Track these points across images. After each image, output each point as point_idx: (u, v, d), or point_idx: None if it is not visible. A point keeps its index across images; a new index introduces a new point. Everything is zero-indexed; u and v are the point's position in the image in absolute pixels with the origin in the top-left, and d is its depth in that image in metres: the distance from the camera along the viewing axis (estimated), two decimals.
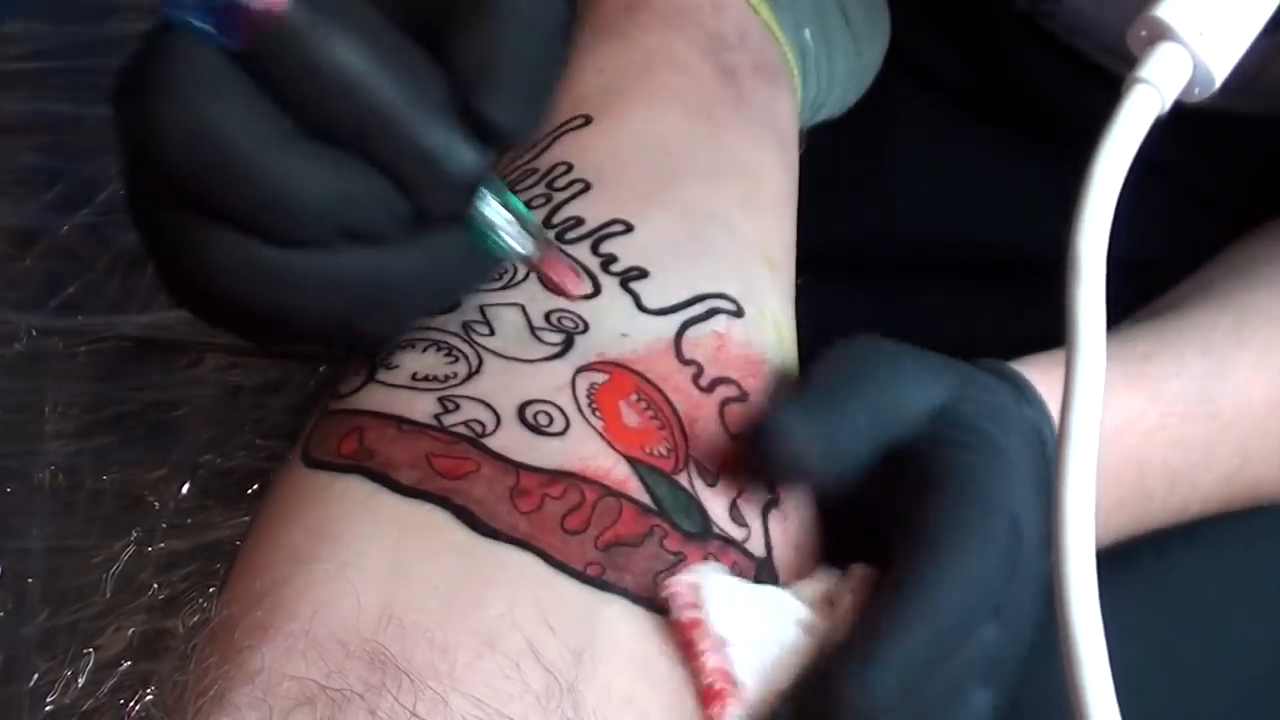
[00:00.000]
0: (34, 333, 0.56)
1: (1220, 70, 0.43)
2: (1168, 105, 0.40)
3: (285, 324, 0.40)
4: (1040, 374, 0.49)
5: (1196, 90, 0.42)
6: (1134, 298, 0.61)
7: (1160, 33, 0.41)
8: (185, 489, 0.54)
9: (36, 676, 0.51)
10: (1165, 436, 0.55)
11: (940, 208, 0.79)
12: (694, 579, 0.42)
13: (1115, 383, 0.54)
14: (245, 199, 0.37)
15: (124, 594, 0.53)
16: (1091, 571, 0.38)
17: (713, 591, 0.42)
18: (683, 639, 0.41)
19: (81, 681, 0.51)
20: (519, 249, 0.42)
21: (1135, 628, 0.66)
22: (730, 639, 0.41)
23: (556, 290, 0.45)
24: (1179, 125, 0.71)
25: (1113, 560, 0.66)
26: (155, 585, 0.53)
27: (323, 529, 0.42)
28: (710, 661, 0.41)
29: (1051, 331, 0.54)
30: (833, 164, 0.70)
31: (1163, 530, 0.61)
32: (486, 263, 0.43)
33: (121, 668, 0.52)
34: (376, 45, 0.38)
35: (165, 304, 0.58)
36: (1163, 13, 0.41)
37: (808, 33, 0.65)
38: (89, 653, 0.52)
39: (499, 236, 0.41)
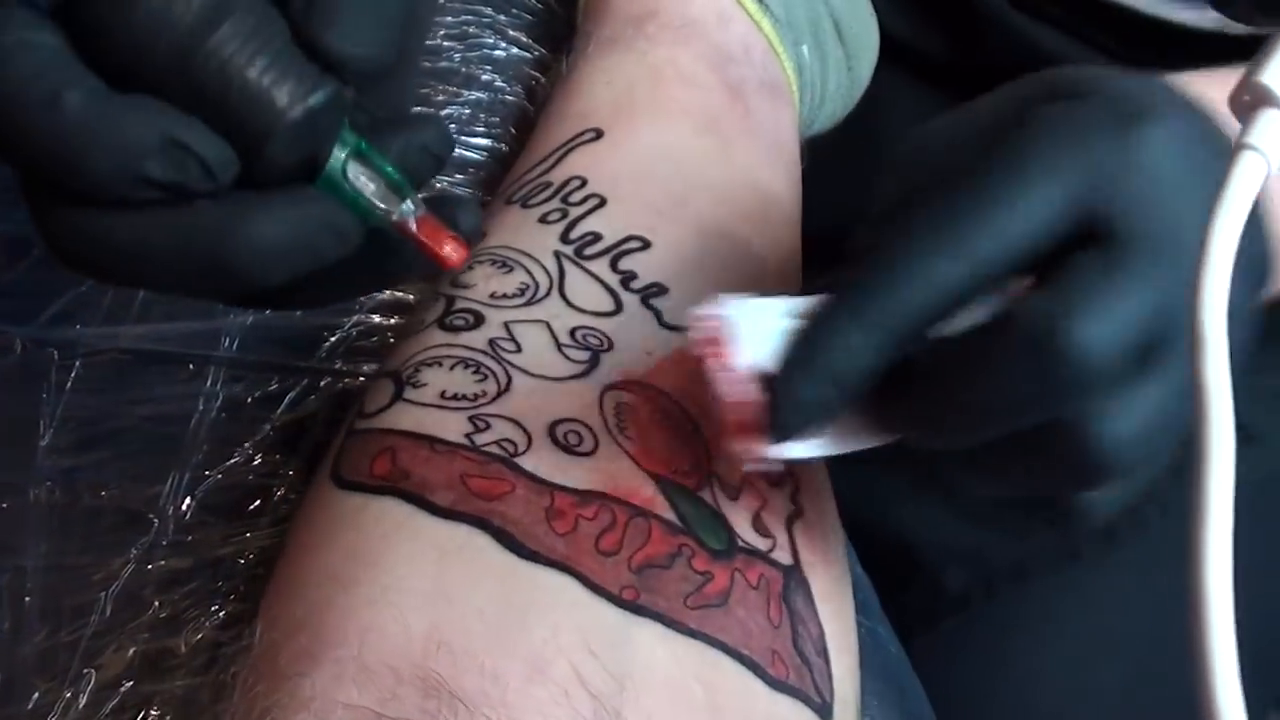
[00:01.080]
0: (27, 345, 0.54)
1: None
2: (1275, 169, 0.39)
3: (145, 285, 0.38)
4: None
5: None
6: None
7: (1264, 98, 0.40)
8: (186, 505, 0.53)
9: (36, 697, 0.50)
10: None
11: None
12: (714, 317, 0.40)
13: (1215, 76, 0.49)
14: (31, 154, 0.35)
15: (124, 612, 0.52)
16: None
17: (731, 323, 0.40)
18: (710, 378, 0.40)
19: (82, 702, 0.50)
20: (380, 208, 0.38)
21: (1137, 604, 0.68)
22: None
23: (433, 258, 0.39)
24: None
25: (1129, 526, 0.67)
26: (156, 603, 0.52)
27: (361, 552, 0.41)
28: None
29: None
30: (822, 151, 0.71)
31: (1167, 490, 0.62)
32: (350, 226, 0.38)
33: (123, 688, 0.50)
34: None
35: (163, 315, 0.56)
36: (1267, 79, 0.40)
37: (805, 49, 0.65)
38: (89, 673, 0.51)
39: (355, 194, 0.37)
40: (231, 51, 0.34)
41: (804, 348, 0.40)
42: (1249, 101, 0.40)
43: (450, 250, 0.39)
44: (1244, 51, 0.74)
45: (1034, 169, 0.38)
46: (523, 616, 0.40)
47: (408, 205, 0.38)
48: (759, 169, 0.56)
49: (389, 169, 0.38)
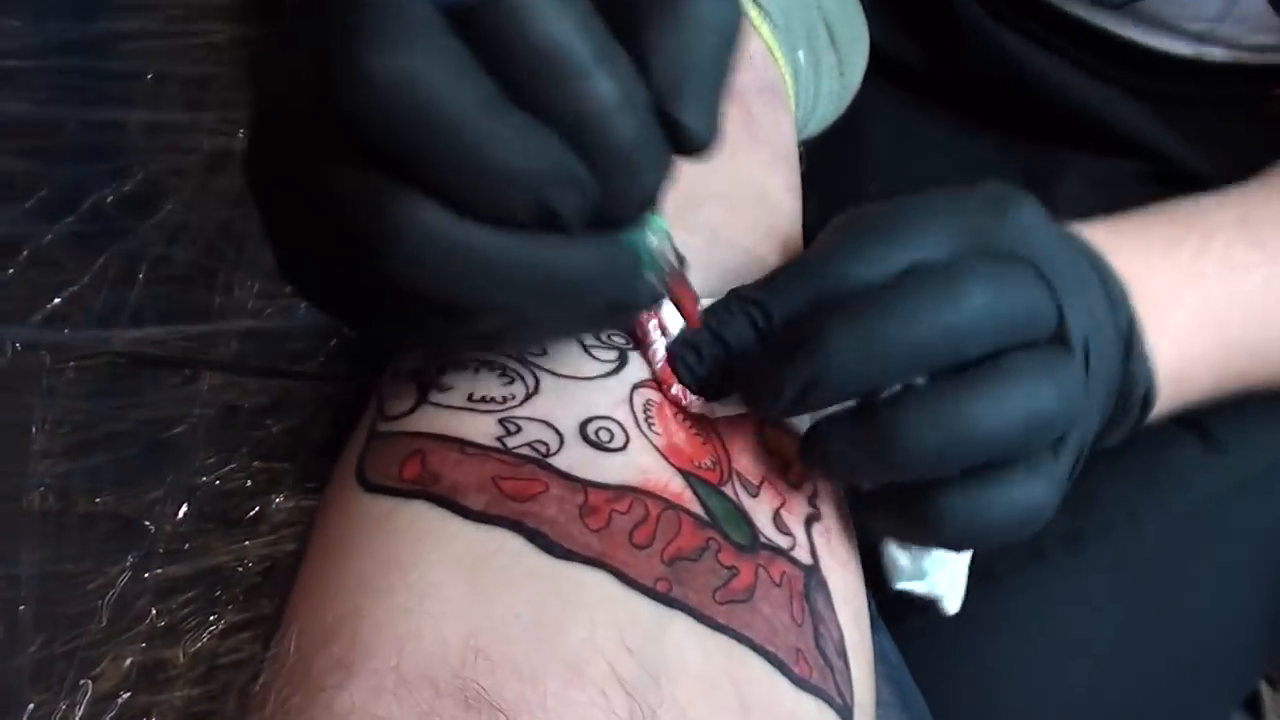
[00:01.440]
0: (18, 347, 0.53)
1: None
2: None
3: (450, 309, 0.37)
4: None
5: None
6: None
7: None
8: (182, 512, 0.52)
9: (31, 708, 0.49)
10: (1213, 258, 0.57)
11: (907, 193, 0.80)
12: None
13: (1152, 222, 0.57)
14: (450, 163, 0.35)
15: (121, 622, 0.50)
16: None
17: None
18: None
19: (79, 714, 0.49)
20: (664, 266, 0.41)
21: (1104, 606, 0.69)
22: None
23: (684, 313, 0.45)
24: (1162, 109, 0.73)
25: (1091, 527, 0.68)
26: (154, 612, 0.51)
27: (394, 558, 0.40)
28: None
29: None
30: (805, 154, 0.70)
31: (1135, 494, 0.62)
32: (643, 276, 0.41)
33: (121, 699, 0.49)
34: (593, 29, 0.36)
35: (156, 318, 0.55)
36: None
37: (801, 54, 0.65)
38: (86, 684, 0.49)
39: (652, 251, 0.40)
40: (624, 104, 0.36)
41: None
42: None
43: (691, 310, 0.46)
44: (1216, 80, 0.75)
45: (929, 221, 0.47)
46: (559, 617, 0.39)
47: (675, 265, 0.43)
48: (765, 178, 0.56)
49: (667, 231, 0.42)
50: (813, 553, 0.46)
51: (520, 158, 0.35)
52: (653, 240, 0.41)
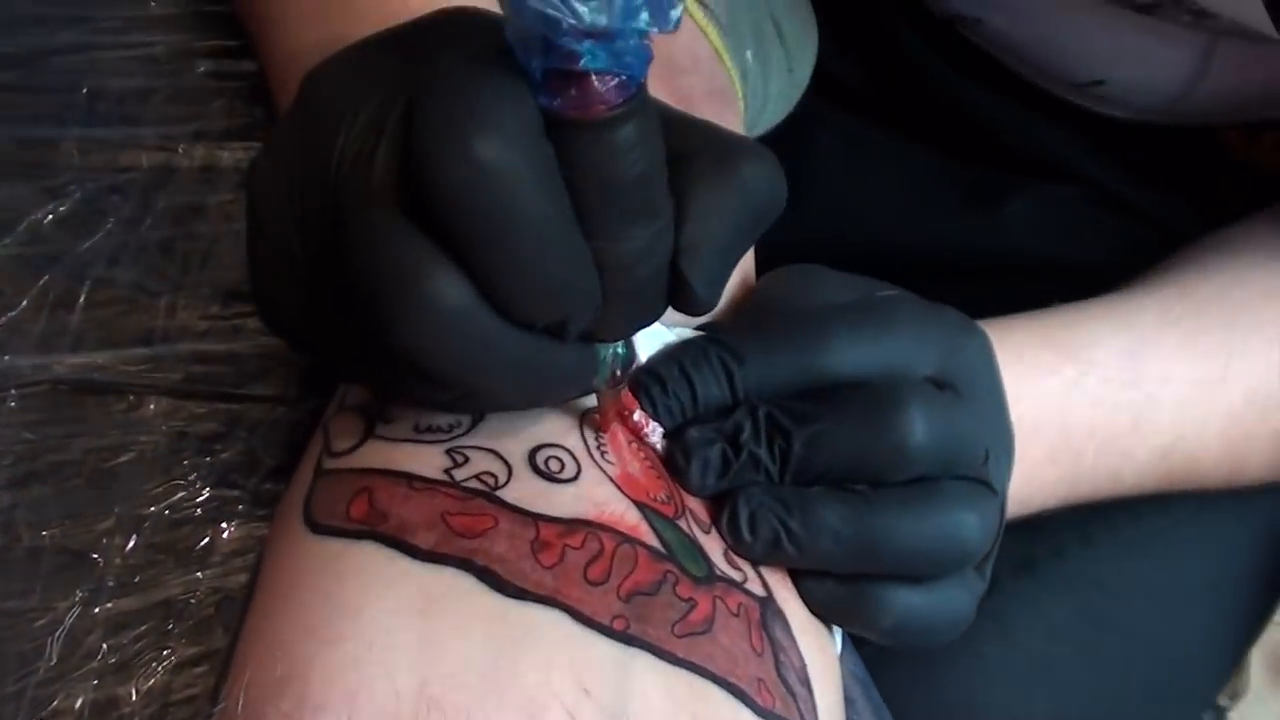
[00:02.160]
0: None
1: None
2: None
3: (442, 387, 0.38)
4: None
5: None
6: (1060, 300, 0.63)
7: None
8: (132, 543, 0.51)
9: None
10: (1085, 395, 0.58)
11: (852, 213, 0.80)
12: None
13: (1029, 344, 0.56)
14: (509, 264, 0.36)
15: (71, 659, 0.49)
16: None
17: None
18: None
19: None
20: (606, 377, 0.43)
21: (1061, 626, 0.69)
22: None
23: (622, 421, 0.47)
24: (1098, 138, 0.73)
25: (1042, 551, 0.69)
26: (105, 648, 0.50)
27: (343, 604, 0.39)
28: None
29: None
30: None
31: (1088, 516, 0.63)
32: (591, 376, 0.43)
33: None
34: (662, 176, 0.39)
35: (97, 342, 0.54)
36: None
37: (749, 54, 0.64)
38: None
39: (606, 362, 0.43)
40: (648, 246, 0.38)
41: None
42: None
43: (627, 427, 0.47)
44: (1161, 142, 0.74)
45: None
46: (514, 661, 0.38)
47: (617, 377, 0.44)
48: None
49: (624, 353, 0.43)
50: (765, 585, 0.46)
51: (572, 281, 0.37)
52: (609, 352, 0.42)
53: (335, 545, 0.41)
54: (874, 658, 0.62)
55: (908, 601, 0.47)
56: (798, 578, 0.48)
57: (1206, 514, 0.70)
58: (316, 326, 0.41)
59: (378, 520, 0.41)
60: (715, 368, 0.47)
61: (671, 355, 0.47)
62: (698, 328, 0.50)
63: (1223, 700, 1.13)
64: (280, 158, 0.40)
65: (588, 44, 0.35)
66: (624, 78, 0.36)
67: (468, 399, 0.42)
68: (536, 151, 0.36)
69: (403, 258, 0.36)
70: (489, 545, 0.40)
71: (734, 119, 0.60)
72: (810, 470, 0.46)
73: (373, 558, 0.40)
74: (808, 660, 0.45)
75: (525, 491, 0.42)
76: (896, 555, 0.46)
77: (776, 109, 0.69)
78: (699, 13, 0.60)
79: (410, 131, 0.36)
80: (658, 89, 0.56)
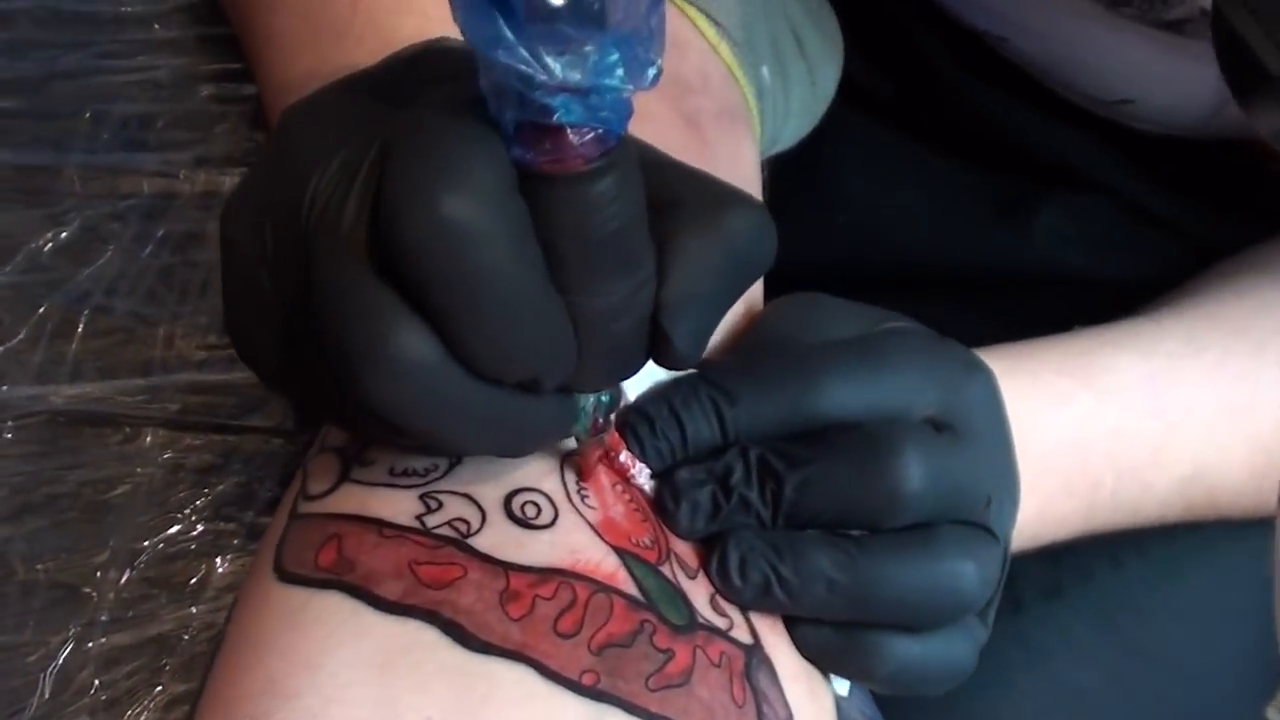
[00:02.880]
0: None
1: None
2: None
3: (411, 436, 0.37)
4: None
5: None
6: (1089, 314, 0.61)
7: None
8: (125, 578, 0.51)
9: None
10: (1103, 424, 0.56)
11: (880, 226, 0.79)
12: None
13: (1046, 372, 0.54)
14: (477, 321, 0.35)
15: (63, 695, 0.49)
16: None
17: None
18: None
19: None
20: (588, 427, 0.42)
21: (1091, 652, 0.67)
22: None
23: (589, 468, 0.45)
24: (1129, 150, 0.71)
25: (1070, 575, 0.67)
26: (97, 683, 0.50)
27: (304, 658, 0.38)
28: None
29: (985, 340, 0.54)
30: (774, 185, 0.69)
31: (1116, 540, 0.61)
32: (569, 426, 0.42)
33: None
34: (642, 232, 0.38)
35: (96, 373, 0.54)
36: None
37: (765, 70, 0.62)
38: None
39: (586, 411, 0.42)
40: (626, 302, 0.37)
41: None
42: None
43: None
44: (1195, 153, 0.72)
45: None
46: None
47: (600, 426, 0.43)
48: None
49: (606, 401, 0.42)
50: (753, 632, 0.44)
51: (543, 339, 0.36)
52: (590, 401, 0.42)
53: (301, 595, 0.40)
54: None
55: (905, 651, 0.46)
56: (791, 624, 0.46)
57: (1240, 537, 0.68)
58: (290, 368, 0.40)
59: (345, 569, 0.40)
60: (706, 407, 0.45)
61: (661, 394, 0.46)
62: None
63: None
64: (252, 200, 0.40)
65: (561, 98, 0.34)
66: (601, 131, 0.35)
67: (443, 449, 0.41)
68: (507, 208, 0.35)
69: (369, 311, 0.35)
70: (456, 596, 0.39)
71: (746, 137, 0.59)
72: (802, 514, 0.45)
73: (337, 609, 0.39)
74: (795, 709, 0.44)
75: (498, 539, 0.41)
76: (891, 604, 0.45)
77: (800, 123, 0.68)
78: (711, 30, 0.59)
79: (381, 182, 0.35)
80: (665, 110, 0.56)
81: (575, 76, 0.33)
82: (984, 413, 0.48)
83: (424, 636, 0.39)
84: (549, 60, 0.33)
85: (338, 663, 0.38)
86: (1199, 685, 0.69)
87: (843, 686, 0.50)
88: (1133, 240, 0.74)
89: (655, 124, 0.55)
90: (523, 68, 0.33)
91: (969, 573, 0.45)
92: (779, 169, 0.71)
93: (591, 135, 0.35)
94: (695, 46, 0.58)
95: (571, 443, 0.44)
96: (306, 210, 0.37)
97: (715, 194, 0.40)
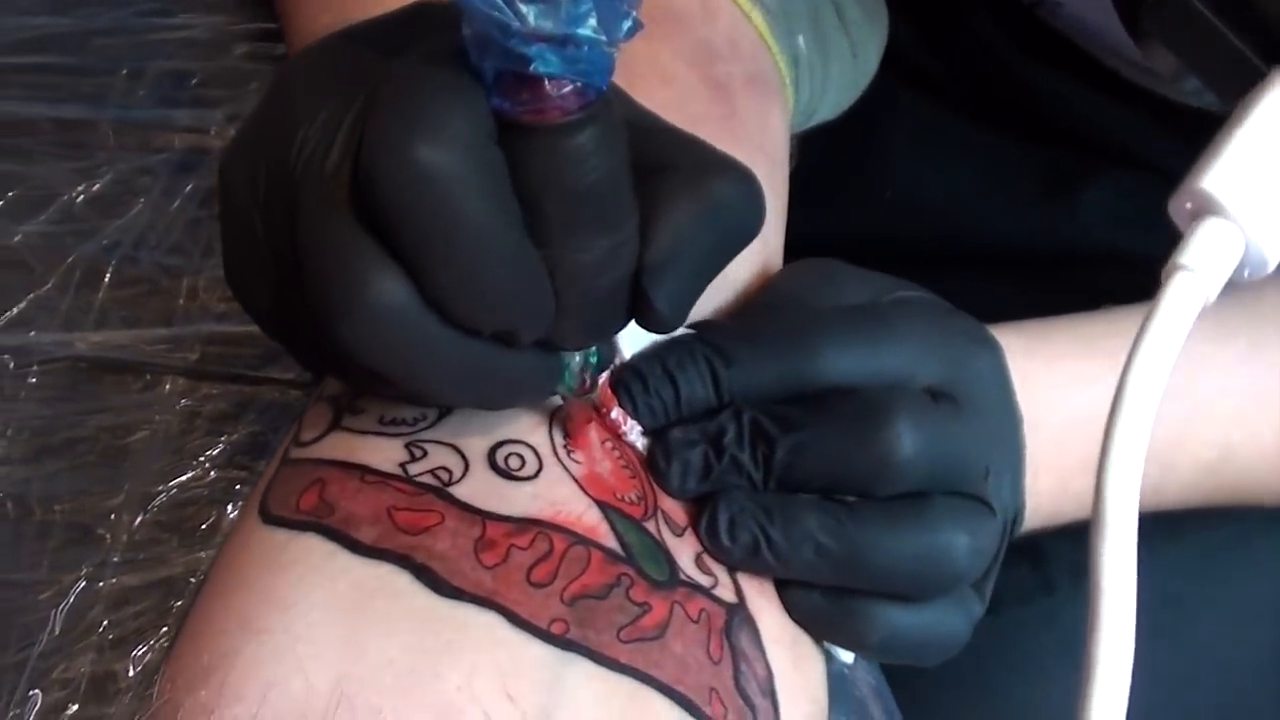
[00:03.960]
0: None
1: (1276, 250, 0.38)
2: (1213, 297, 0.36)
3: (390, 383, 0.38)
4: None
5: (1247, 273, 0.38)
6: (1134, 293, 0.60)
7: (1207, 207, 0.36)
8: (139, 521, 0.52)
9: None
10: None
11: (927, 201, 0.78)
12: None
13: (1069, 353, 0.54)
14: (451, 269, 0.35)
15: (73, 632, 0.50)
16: None
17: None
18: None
19: None
20: (573, 387, 0.42)
21: None
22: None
23: (576, 428, 0.45)
24: (1181, 127, 0.70)
25: (1064, 571, 0.66)
26: (106, 622, 0.51)
27: (276, 596, 0.39)
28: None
29: (1029, 318, 0.53)
30: (820, 159, 0.68)
31: (1150, 525, 0.60)
32: (553, 383, 0.42)
33: (69, 711, 0.49)
34: (624, 189, 0.38)
35: (121, 321, 0.55)
36: (1209, 185, 0.36)
37: (801, 39, 0.62)
38: (35, 694, 0.49)
39: (571, 370, 0.42)
40: (607, 258, 0.38)
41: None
42: (1190, 210, 0.36)
43: (579, 435, 0.45)
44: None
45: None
46: (437, 663, 0.38)
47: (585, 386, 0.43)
48: None
49: (595, 361, 0.43)
50: (738, 592, 0.44)
51: (516, 289, 0.36)
52: (577, 360, 0.42)
53: (281, 536, 0.41)
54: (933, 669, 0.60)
55: (895, 619, 0.46)
56: (782, 587, 0.46)
57: (1277, 529, 0.66)
58: (281, 311, 0.41)
59: (324, 513, 0.41)
60: (701, 367, 0.45)
61: (656, 353, 0.46)
62: (690, 324, 0.49)
63: None
64: (248, 146, 0.40)
65: (537, 47, 0.34)
66: (580, 84, 0.35)
67: (421, 398, 0.41)
68: (482, 156, 0.35)
69: (346, 255, 0.36)
70: (431, 542, 0.40)
71: (775, 106, 0.59)
72: (794, 478, 0.44)
73: (313, 550, 0.40)
74: (776, 671, 0.44)
75: (478, 489, 0.41)
76: (880, 571, 0.44)
77: (840, 95, 0.67)
78: None
79: (363, 130, 0.36)
80: (692, 75, 0.56)
81: (547, 25, 0.33)
82: (987, 386, 0.47)
83: (396, 580, 0.39)
84: (522, 7, 0.33)
85: (310, 602, 0.39)
86: (1231, 675, 0.68)
87: (849, 655, 0.50)
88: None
89: (681, 88, 0.55)
90: (497, 14, 0.33)
91: (961, 544, 0.44)
92: (824, 144, 0.70)
93: (570, 88, 0.35)
94: (726, 12, 0.58)
95: (560, 401, 0.44)
96: (295, 156, 0.38)
97: (706, 160, 0.40)
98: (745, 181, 0.40)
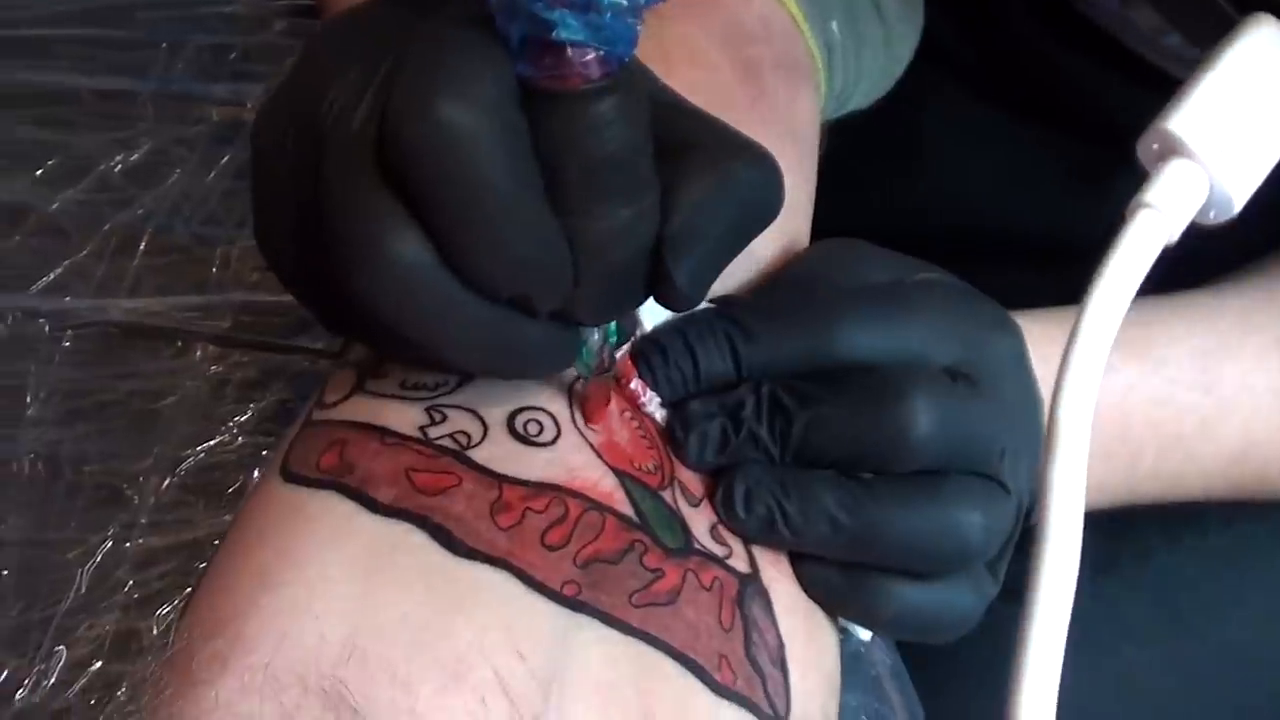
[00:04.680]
0: (19, 315, 0.54)
1: (1241, 193, 0.39)
2: (1175, 236, 0.37)
3: (406, 345, 0.38)
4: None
5: (1213, 214, 0.38)
6: (1167, 287, 0.60)
7: (1173, 148, 0.37)
8: (166, 484, 0.52)
9: (5, 674, 0.50)
10: (1149, 393, 0.56)
11: (959, 191, 0.78)
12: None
13: None
14: (470, 230, 0.36)
15: (99, 590, 0.51)
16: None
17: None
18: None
19: (51, 681, 0.50)
20: (592, 365, 0.43)
21: (1144, 630, 0.66)
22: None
23: (584, 410, 0.45)
24: None
25: (1128, 552, 0.66)
26: (131, 583, 0.52)
27: (293, 551, 0.40)
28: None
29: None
30: (857, 149, 0.69)
31: (1176, 518, 0.60)
32: (574, 364, 0.43)
33: (93, 668, 0.50)
34: (645, 158, 0.38)
35: (154, 289, 0.56)
36: (1175, 126, 0.37)
37: (835, 25, 0.62)
38: (60, 650, 0.50)
39: (589, 348, 0.42)
40: (626, 228, 0.38)
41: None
42: (1157, 151, 0.37)
43: (594, 412, 0.44)
44: None
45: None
46: (449, 619, 0.38)
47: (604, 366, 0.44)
48: None
49: (614, 340, 0.43)
50: (752, 563, 0.44)
51: (534, 253, 0.37)
52: (596, 338, 0.42)
53: (301, 494, 0.41)
54: (943, 651, 0.60)
55: (908, 596, 0.46)
56: (797, 561, 0.46)
57: None
58: (306, 272, 0.41)
59: (343, 472, 0.41)
60: (720, 341, 0.46)
61: (676, 325, 0.46)
62: (711, 299, 0.49)
63: None
64: (280, 106, 0.41)
65: (560, 12, 0.34)
66: (603, 53, 0.36)
67: (438, 361, 0.42)
68: (504, 118, 0.36)
69: (367, 211, 0.36)
70: (448, 504, 0.40)
71: (805, 89, 0.59)
72: (810, 452, 0.45)
73: (332, 508, 0.40)
74: (788, 642, 0.44)
75: (496, 452, 0.42)
76: (893, 547, 0.44)
77: (873, 84, 0.67)
78: None
79: (389, 90, 0.36)
80: (722, 56, 0.56)
81: None
82: (1006, 368, 0.48)
83: (412, 539, 0.40)
84: None
85: (326, 558, 0.39)
86: (1257, 671, 0.68)
87: (866, 634, 0.50)
88: None
89: (711, 70, 0.55)
90: None
91: (975, 522, 0.44)
92: (856, 130, 0.71)
93: (593, 56, 0.36)
94: None
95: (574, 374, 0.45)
96: (324, 114, 0.38)
97: (728, 141, 0.40)
98: (766, 163, 0.41)
